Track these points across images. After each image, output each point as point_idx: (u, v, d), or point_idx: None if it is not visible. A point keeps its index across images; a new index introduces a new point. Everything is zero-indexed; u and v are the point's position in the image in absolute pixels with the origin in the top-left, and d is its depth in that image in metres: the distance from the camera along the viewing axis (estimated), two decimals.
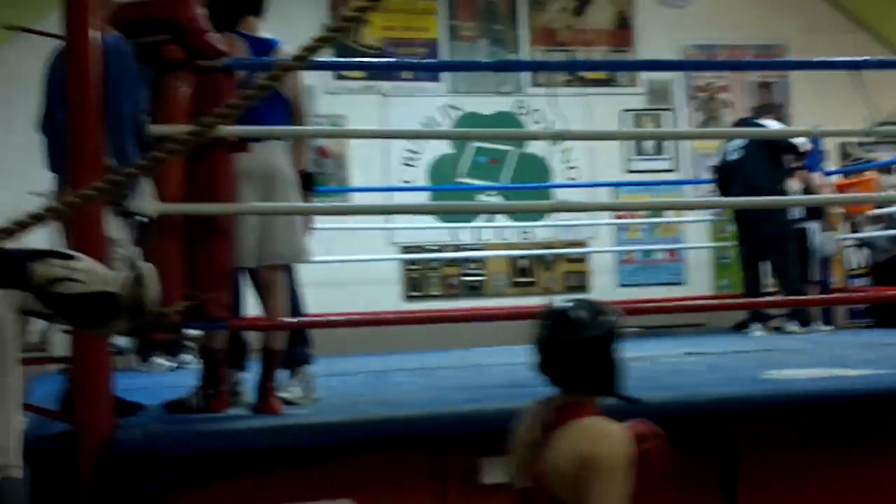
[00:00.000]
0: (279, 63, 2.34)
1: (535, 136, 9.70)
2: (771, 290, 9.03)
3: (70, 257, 2.34)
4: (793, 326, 8.58)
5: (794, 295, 8.39)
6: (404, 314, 9.19)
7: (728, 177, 8.81)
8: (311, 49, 2.38)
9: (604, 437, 2.91)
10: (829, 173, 10.11)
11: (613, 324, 3.04)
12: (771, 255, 8.75)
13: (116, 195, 3.85)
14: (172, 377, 6.98)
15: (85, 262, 2.35)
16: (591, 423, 2.96)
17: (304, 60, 2.38)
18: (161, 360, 7.67)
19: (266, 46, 4.78)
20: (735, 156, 8.76)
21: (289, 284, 4.91)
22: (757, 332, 8.65)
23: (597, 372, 3.02)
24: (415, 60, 10.70)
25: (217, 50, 4.37)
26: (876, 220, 10.25)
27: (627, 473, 2.88)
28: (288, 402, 4.71)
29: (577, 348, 3.00)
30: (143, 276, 2.33)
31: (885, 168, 11.50)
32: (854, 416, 4.40)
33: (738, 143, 8.77)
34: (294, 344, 4.91)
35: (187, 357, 8.02)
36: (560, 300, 3.13)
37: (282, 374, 4.82)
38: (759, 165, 8.55)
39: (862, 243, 10.69)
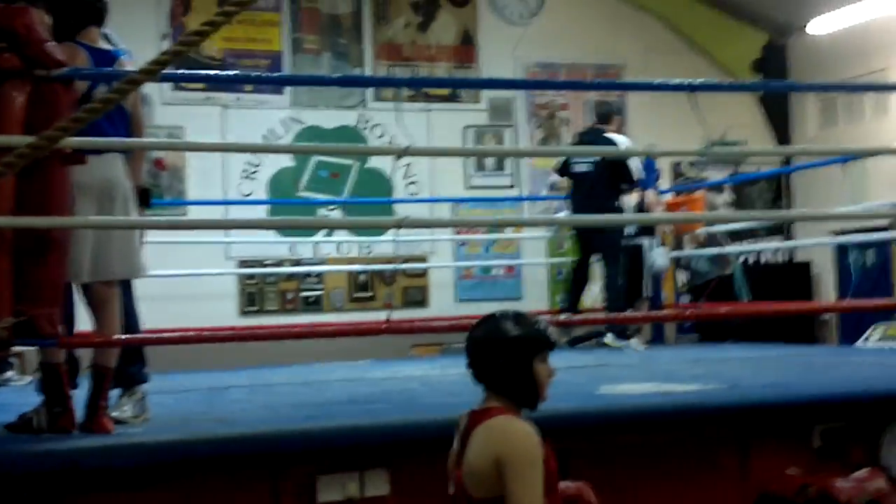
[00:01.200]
0: (127, 76, 2.30)
1: (380, 152, 9.73)
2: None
3: None
4: (610, 338, 8.78)
5: (616, 308, 8.59)
6: (242, 330, 9.06)
7: (578, 188, 9.00)
8: (161, 63, 2.35)
9: (513, 435, 2.99)
10: (663, 192, 10.39)
11: (535, 333, 3.14)
12: (603, 267, 9.00)
13: None
14: None
15: None
16: (500, 423, 3.04)
17: (152, 74, 2.34)
18: None
19: (109, 57, 4.66)
20: (582, 168, 8.93)
21: (126, 300, 4.80)
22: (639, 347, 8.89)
23: (511, 375, 3.11)
24: (257, 73, 10.60)
25: (55, 60, 4.24)
26: (697, 241, 10.60)
27: (540, 467, 2.96)
28: (119, 422, 4.59)
29: (493, 345, 3.12)
30: None
31: (716, 187, 11.91)
32: (685, 431, 4.53)
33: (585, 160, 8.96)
34: (129, 362, 4.79)
35: (11, 374, 7.77)
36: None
37: (114, 393, 4.71)
38: (601, 183, 8.76)
39: (683, 264, 11.07)
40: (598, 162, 8.84)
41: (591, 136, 9.02)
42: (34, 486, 3.81)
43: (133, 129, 4.67)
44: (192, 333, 5.35)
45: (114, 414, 4.64)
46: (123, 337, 4.63)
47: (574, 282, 9.15)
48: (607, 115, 9.33)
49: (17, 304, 4.12)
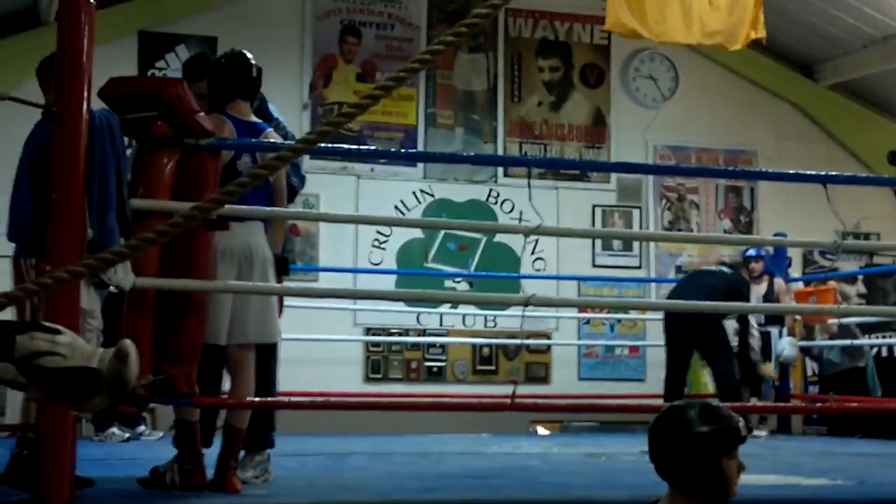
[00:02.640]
0: (279, 151, 2.42)
1: (511, 230, 9.83)
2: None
3: (55, 331, 2.37)
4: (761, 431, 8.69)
5: (731, 400, 8.45)
6: (366, 397, 9.20)
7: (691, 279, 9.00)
8: (310, 141, 2.47)
9: None
10: (792, 279, 10.27)
11: (725, 427, 2.95)
12: (709, 362, 8.91)
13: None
14: (128, 448, 6.95)
15: (68, 336, 2.38)
16: None
17: (300, 151, 2.46)
18: (116, 431, 7.62)
19: (254, 130, 4.85)
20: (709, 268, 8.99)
21: (267, 364, 4.95)
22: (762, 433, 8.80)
23: (698, 473, 2.92)
24: (393, 148, 10.80)
25: (204, 129, 4.44)
26: (829, 331, 10.42)
27: None
28: (242, 482, 4.71)
29: (679, 440, 2.90)
30: (125, 353, 2.36)
31: (848, 278, 11.69)
32: None
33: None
34: (259, 425, 4.92)
35: (143, 428, 7.99)
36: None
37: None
38: (718, 290, 8.66)
39: (813, 354, 10.87)
40: (726, 273, 8.87)
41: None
42: None
43: (274, 199, 4.83)
44: (320, 399, 5.45)
45: (238, 474, 4.77)
46: (255, 399, 4.76)
47: (676, 386, 8.96)
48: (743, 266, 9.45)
49: (157, 362, 4.28)
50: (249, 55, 4.93)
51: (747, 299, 8.87)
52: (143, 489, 4.47)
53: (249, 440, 4.85)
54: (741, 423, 3.01)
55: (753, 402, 9.33)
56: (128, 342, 2.40)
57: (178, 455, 4.57)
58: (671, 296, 9.19)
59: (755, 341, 9.39)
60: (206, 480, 4.51)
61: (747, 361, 9.29)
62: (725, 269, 9.07)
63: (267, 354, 4.97)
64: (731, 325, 9.59)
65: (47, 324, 2.42)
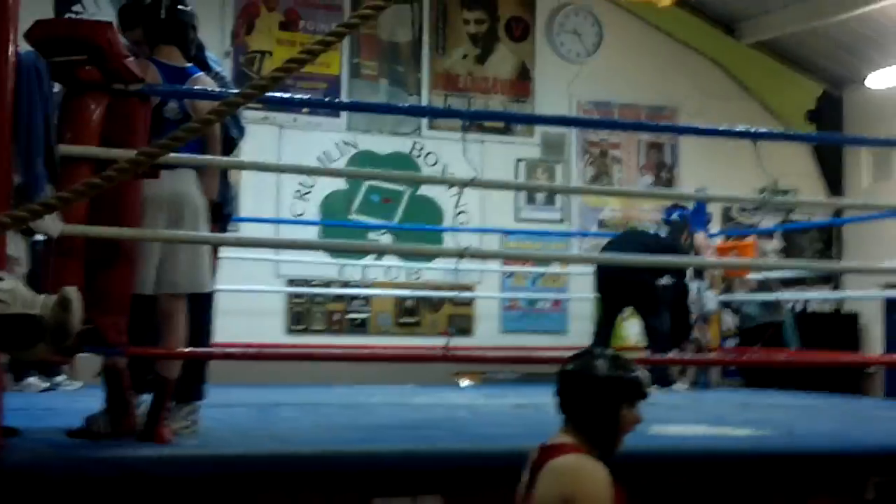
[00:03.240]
0: (228, 98, 2.36)
1: (446, 181, 9.79)
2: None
3: None
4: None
5: (661, 352, 8.57)
6: (290, 348, 9.13)
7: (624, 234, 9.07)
8: (259, 87, 2.41)
9: (584, 476, 2.95)
10: (712, 235, 10.39)
11: (629, 378, 3.09)
12: (642, 314, 9.00)
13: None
14: (48, 398, 6.84)
15: (9, 283, 2.32)
16: (572, 461, 2.99)
17: (250, 98, 2.40)
18: (35, 381, 7.48)
19: (182, 75, 4.74)
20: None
21: (200, 315, 4.87)
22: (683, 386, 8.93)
23: (596, 415, 3.06)
24: (316, 97, 10.64)
25: (134, 75, 4.33)
26: (749, 286, 10.58)
27: None
28: (174, 433, 4.66)
29: (584, 381, 3.06)
30: (67, 300, 2.30)
31: (766, 234, 11.88)
32: (740, 476, 4.52)
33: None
34: (189, 376, 4.86)
35: (62, 378, 7.85)
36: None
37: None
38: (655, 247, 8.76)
39: (733, 308, 11.05)
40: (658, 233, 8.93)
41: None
42: (90, 493, 3.86)
43: (207, 147, 4.74)
44: (252, 350, 5.39)
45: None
46: (186, 350, 4.69)
47: (604, 338, 9.04)
48: (681, 229, 9.50)
49: (86, 312, 4.19)
50: None
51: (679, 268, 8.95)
52: (72, 440, 4.40)
53: (179, 391, 4.78)
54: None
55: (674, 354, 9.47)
56: (71, 289, 2.34)
57: (107, 403, 4.50)
58: (605, 251, 9.24)
59: (694, 305, 9.48)
60: (136, 425, 4.44)
61: (683, 321, 9.37)
62: (663, 232, 9.11)
63: (201, 305, 4.90)
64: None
65: None
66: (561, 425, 3.15)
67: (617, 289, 8.87)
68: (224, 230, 5.37)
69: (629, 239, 9.00)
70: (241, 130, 5.30)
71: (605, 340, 8.91)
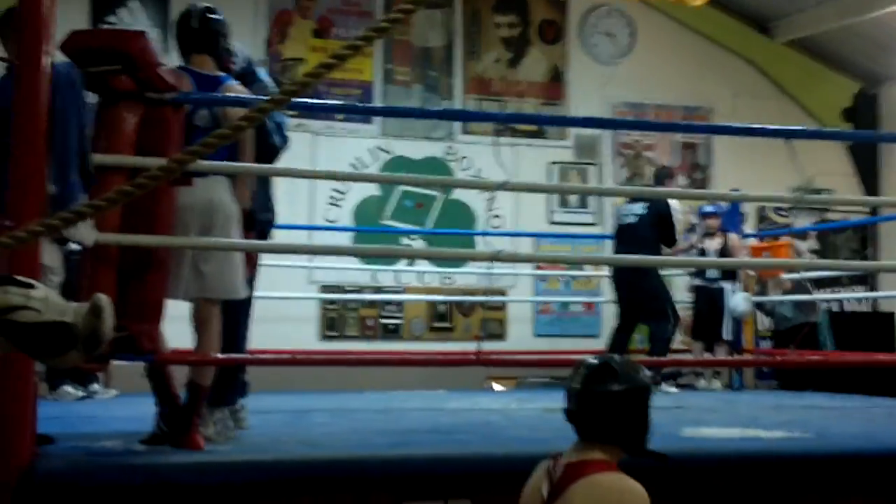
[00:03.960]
0: (257, 104, 2.38)
1: (478, 185, 9.82)
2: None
3: (28, 285, 2.34)
4: (664, 386, 8.75)
5: (658, 354, 8.55)
6: (324, 354, 9.18)
7: (622, 238, 9.00)
8: (289, 93, 2.43)
9: (629, 496, 2.92)
10: (747, 236, 10.35)
11: (647, 381, 3.11)
12: (645, 320, 8.97)
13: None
14: (83, 407, 6.90)
15: (41, 291, 2.35)
16: (612, 481, 2.95)
17: (280, 104, 2.43)
18: (70, 389, 7.56)
19: (213, 82, 4.79)
20: (628, 220, 8.96)
21: (237, 321, 4.95)
22: (671, 389, 8.85)
23: (628, 426, 3.05)
24: (348, 103, 10.69)
25: (167, 83, 4.38)
26: (783, 287, 10.53)
27: None
28: (207, 439, 4.71)
29: (610, 400, 3.02)
30: (99, 308, 2.34)
31: (800, 234, 11.82)
32: (772, 478, 4.50)
33: (636, 207, 8.94)
34: (226, 382, 4.92)
35: (96, 387, 7.92)
36: (583, 359, 3.18)
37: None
38: (648, 231, 8.76)
39: (767, 309, 10.99)
40: (643, 215, 8.84)
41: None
42: (123, 500, 3.89)
43: (238, 154, 4.77)
44: (286, 356, 5.43)
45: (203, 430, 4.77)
46: (220, 356, 4.73)
47: (617, 343, 9.02)
48: (664, 176, 9.40)
49: (120, 319, 4.23)
50: (202, 7, 4.87)
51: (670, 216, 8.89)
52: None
53: (212, 396, 4.85)
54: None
55: (707, 356, 9.45)
56: (102, 296, 2.38)
57: (158, 405, 4.55)
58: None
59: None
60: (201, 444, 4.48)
61: (717, 322, 9.34)
62: (639, 207, 8.96)
63: (238, 311, 4.95)
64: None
65: (20, 278, 2.38)
66: (577, 439, 3.10)
67: (625, 290, 8.89)
68: (265, 237, 5.42)
69: (627, 236, 8.91)
70: (285, 139, 5.33)
71: (619, 347, 8.89)
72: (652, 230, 8.80)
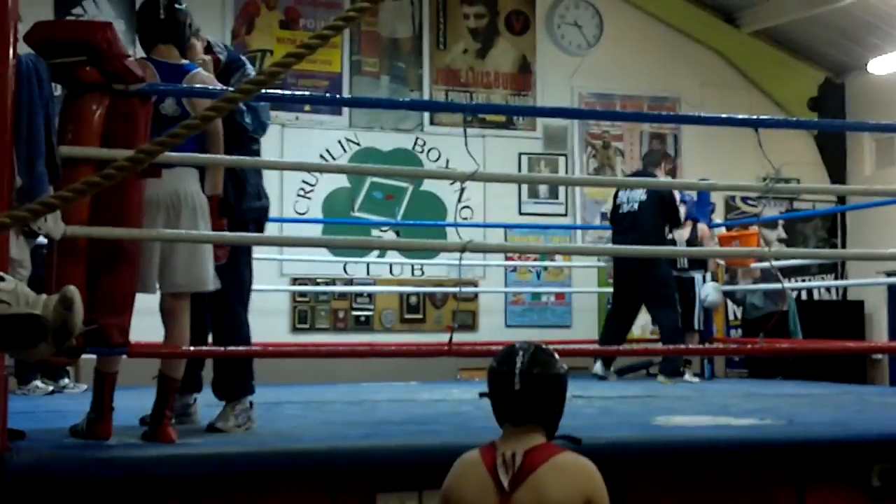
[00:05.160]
0: (224, 94, 2.36)
1: (447, 176, 9.81)
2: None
3: None
4: (662, 378, 8.78)
5: (671, 342, 8.59)
6: (295, 346, 9.14)
7: (622, 226, 9.02)
8: (258, 83, 2.42)
9: (595, 474, 3.09)
10: (715, 225, 10.38)
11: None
12: (651, 303, 9.00)
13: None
14: (54, 401, 6.85)
15: (11, 283, 2.33)
16: (577, 460, 3.11)
17: (249, 93, 2.41)
18: (40, 384, 7.51)
19: (179, 72, 4.75)
20: (628, 208, 8.98)
21: (236, 311, 5.05)
22: (693, 378, 8.94)
23: (560, 408, 3.21)
24: (316, 94, 10.66)
25: (133, 74, 4.33)
26: (752, 276, 10.58)
27: None
28: (220, 431, 4.78)
29: (558, 381, 3.18)
30: (70, 300, 2.31)
31: (769, 223, 11.88)
32: (742, 465, 4.53)
33: (635, 194, 8.95)
34: (233, 374, 4.94)
35: (66, 381, 7.88)
36: (516, 344, 3.28)
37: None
38: (647, 221, 8.80)
39: (737, 298, 11.05)
40: (643, 202, 8.88)
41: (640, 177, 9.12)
42: (95, 493, 3.87)
43: (207, 144, 4.73)
44: (257, 348, 5.40)
45: (218, 425, 4.83)
46: (191, 349, 4.71)
47: (612, 331, 9.07)
48: (655, 162, 9.41)
49: (89, 312, 4.20)
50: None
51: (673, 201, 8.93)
52: (75, 439, 4.41)
53: (228, 389, 4.91)
54: None
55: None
56: (72, 289, 2.36)
57: (91, 406, 4.50)
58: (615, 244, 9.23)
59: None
60: (109, 432, 4.43)
61: (688, 312, 9.37)
62: (638, 194, 8.97)
63: (232, 301, 5.02)
64: None
65: None
66: (506, 425, 3.19)
67: (629, 281, 8.91)
68: (261, 225, 5.40)
69: (630, 228, 8.94)
70: (263, 124, 5.30)
71: (618, 337, 8.91)
72: (654, 216, 8.83)
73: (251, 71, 5.47)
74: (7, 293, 2.28)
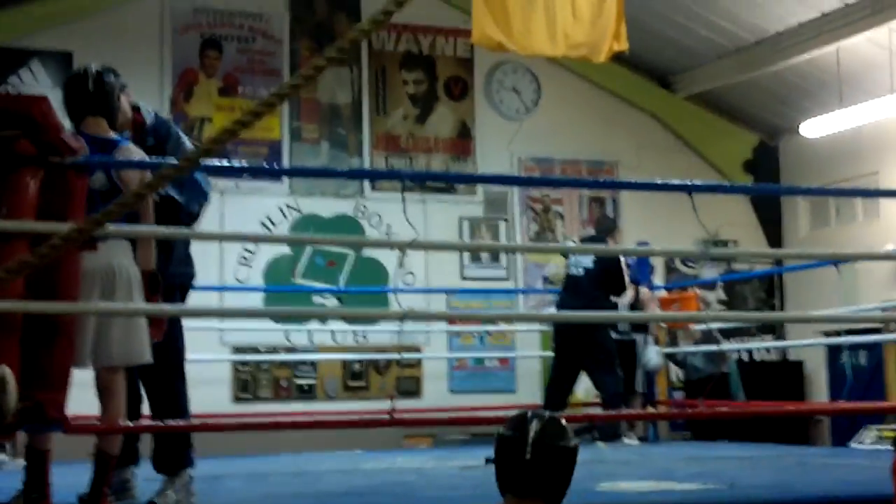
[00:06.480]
0: (163, 168, 2.34)
1: (385, 244, 9.82)
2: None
3: None
4: (601, 445, 8.76)
5: (612, 407, 8.59)
6: (236, 417, 9.05)
7: (567, 290, 9.06)
8: (196, 157, 2.40)
9: None
10: (655, 287, 10.46)
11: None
12: (592, 368, 9.00)
13: None
14: None
15: None
16: None
17: (189, 166, 2.39)
18: None
19: (108, 145, 4.68)
20: (575, 271, 9.03)
21: (175, 384, 4.98)
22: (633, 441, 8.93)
23: (567, 481, 3.04)
24: (255, 164, 10.53)
25: (69, 147, 4.30)
26: (693, 337, 10.65)
27: None
28: None
29: (567, 455, 3.00)
30: (4, 381, 2.26)
31: (708, 284, 11.98)
32: None
33: (583, 259, 9.00)
34: (171, 446, 4.86)
35: (3, 457, 7.71)
36: (528, 411, 3.16)
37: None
38: (593, 287, 8.84)
39: (678, 360, 11.12)
40: (589, 269, 8.93)
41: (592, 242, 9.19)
42: None
43: (140, 216, 4.68)
44: (197, 422, 5.32)
45: (157, 501, 4.74)
46: (128, 424, 4.63)
47: (554, 396, 9.02)
48: (608, 230, 9.49)
49: (25, 388, 4.12)
50: (96, 69, 4.78)
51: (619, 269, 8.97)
52: None
53: (167, 463, 4.83)
54: None
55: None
56: (6, 369, 2.30)
57: (24, 484, 4.39)
58: (559, 307, 9.25)
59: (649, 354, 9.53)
60: None
61: (630, 375, 9.39)
62: (587, 260, 9.02)
63: (168, 373, 4.98)
64: None
65: None
66: (513, 496, 3.07)
67: (570, 345, 8.90)
68: (185, 291, 5.34)
69: (574, 292, 8.97)
70: (204, 194, 5.23)
71: (560, 402, 8.87)
72: (599, 283, 8.88)
73: (185, 141, 5.38)
74: None
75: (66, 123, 4.74)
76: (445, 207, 11.39)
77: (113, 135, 4.79)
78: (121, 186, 4.57)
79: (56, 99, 4.64)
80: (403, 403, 10.11)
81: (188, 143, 5.43)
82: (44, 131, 4.23)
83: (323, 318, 10.73)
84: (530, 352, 11.34)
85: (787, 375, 11.62)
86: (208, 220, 9.90)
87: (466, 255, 11.56)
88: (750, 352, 11.85)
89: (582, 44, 8.51)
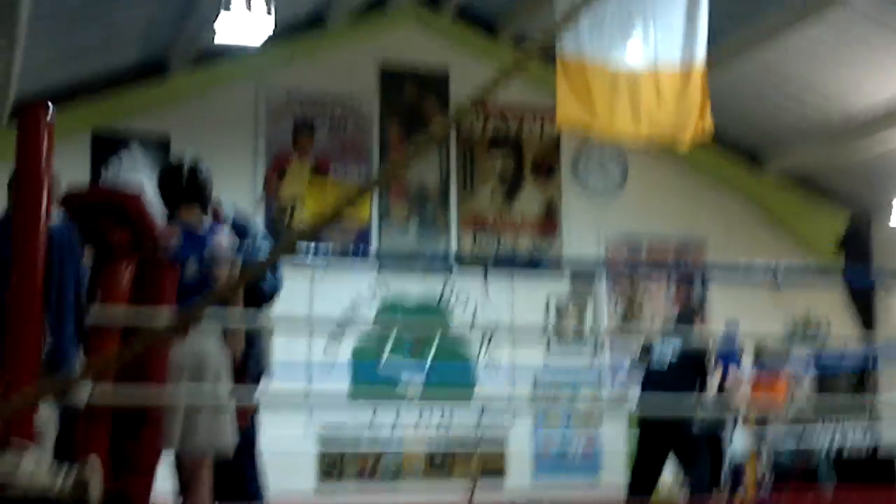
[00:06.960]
0: (250, 266, 2.44)
1: (474, 329, 9.90)
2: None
3: (20, 452, 2.36)
4: None
5: (700, 492, 8.37)
6: None
7: (652, 380, 8.78)
8: (290, 245, 2.50)
9: None
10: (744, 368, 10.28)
11: None
12: (683, 460, 8.75)
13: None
14: None
15: (28, 462, 2.37)
16: None
17: (283, 254, 2.49)
18: None
19: (202, 242, 4.81)
20: (660, 367, 8.65)
21: (249, 469, 5.02)
22: None
23: None
24: (343, 244, 10.73)
25: (163, 240, 4.44)
26: (784, 420, 10.42)
27: None
28: None
29: None
30: (86, 483, 2.35)
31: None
32: None
33: (667, 351, 8.67)
34: None
35: None
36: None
37: None
38: (682, 379, 8.51)
39: (766, 451, 10.84)
40: (673, 363, 8.65)
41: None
42: None
43: (228, 302, 4.78)
44: None
45: None
46: None
47: (639, 484, 8.80)
48: (691, 315, 9.34)
49: (114, 472, 4.22)
50: (191, 162, 4.96)
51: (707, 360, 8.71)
52: None
53: None
54: None
55: None
56: (90, 468, 2.39)
57: None
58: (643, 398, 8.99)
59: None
60: None
61: (717, 468, 9.17)
62: (671, 349, 8.74)
63: (243, 463, 5.01)
64: None
65: (14, 440, 2.40)
66: None
67: (655, 434, 8.59)
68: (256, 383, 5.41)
69: (662, 383, 8.64)
70: (278, 282, 5.33)
71: (645, 492, 8.60)
72: (687, 376, 8.54)
73: (263, 240, 5.42)
74: (25, 473, 2.32)
75: (160, 209, 4.92)
76: (532, 285, 11.40)
77: (206, 223, 4.94)
78: (210, 277, 4.69)
79: (153, 181, 4.83)
80: (487, 483, 10.09)
81: (265, 243, 5.51)
82: (138, 224, 4.39)
83: (410, 404, 10.81)
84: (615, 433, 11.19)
85: (877, 473, 11.13)
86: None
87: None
88: (839, 449, 11.32)
89: (666, 126, 8.50)
